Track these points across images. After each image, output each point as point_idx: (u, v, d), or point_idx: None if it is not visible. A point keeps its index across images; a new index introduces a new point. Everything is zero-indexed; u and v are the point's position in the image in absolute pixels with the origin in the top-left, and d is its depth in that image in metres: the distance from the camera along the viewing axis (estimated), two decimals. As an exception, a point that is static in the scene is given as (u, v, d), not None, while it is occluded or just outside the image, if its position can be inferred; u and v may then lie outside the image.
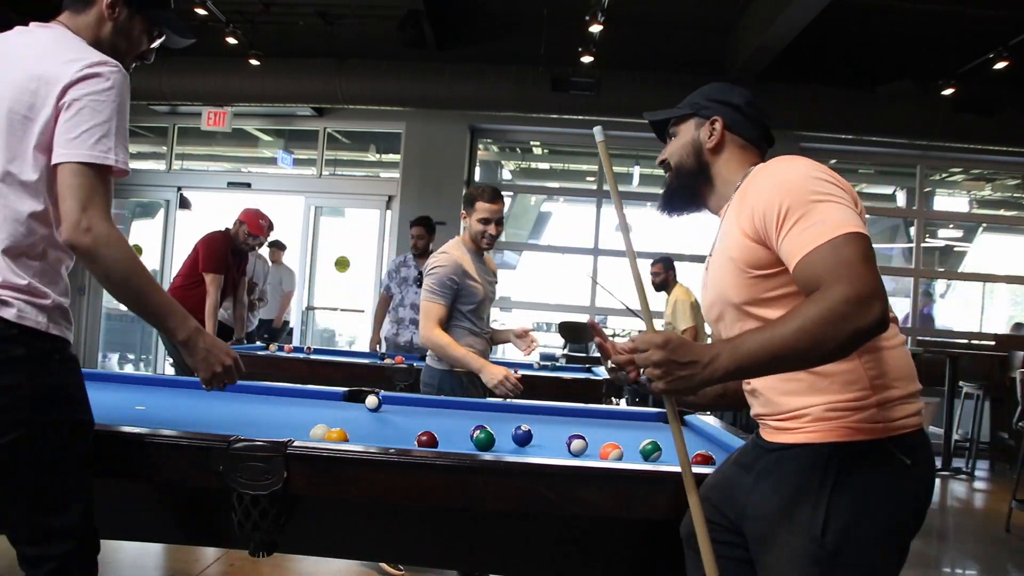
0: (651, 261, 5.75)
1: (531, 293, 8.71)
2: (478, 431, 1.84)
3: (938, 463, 6.59)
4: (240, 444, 1.57)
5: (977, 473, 6.63)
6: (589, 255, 8.13)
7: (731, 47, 7.11)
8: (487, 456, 1.67)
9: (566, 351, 6.93)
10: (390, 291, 5.31)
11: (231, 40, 6.72)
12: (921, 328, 8.13)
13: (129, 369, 8.95)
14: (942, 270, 9.43)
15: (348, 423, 2.00)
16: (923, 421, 1.31)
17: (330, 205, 8.59)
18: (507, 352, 6.61)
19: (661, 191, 1.61)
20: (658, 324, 1.45)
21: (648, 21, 7.06)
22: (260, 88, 7.07)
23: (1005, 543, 4.53)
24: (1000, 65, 6.27)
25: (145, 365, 8.84)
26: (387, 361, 4.19)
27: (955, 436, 6.78)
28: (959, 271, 9.33)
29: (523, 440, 1.95)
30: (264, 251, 6.21)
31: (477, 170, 8.34)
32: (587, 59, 6.65)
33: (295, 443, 1.57)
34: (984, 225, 9.47)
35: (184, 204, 8.57)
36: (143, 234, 8.86)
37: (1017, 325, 8.83)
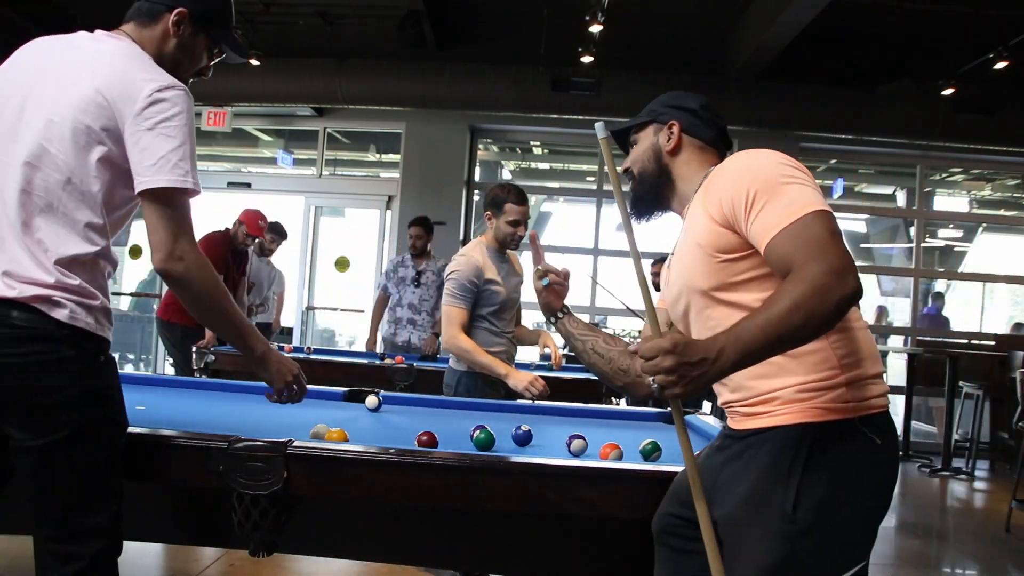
0: (651, 261, 5.74)
1: (531, 293, 8.68)
2: (478, 431, 1.84)
3: (938, 463, 6.60)
4: (240, 444, 1.57)
5: (977, 473, 6.63)
6: (589, 255, 8.13)
7: (731, 47, 7.11)
8: (487, 456, 1.67)
9: (566, 351, 6.93)
10: (387, 291, 5.30)
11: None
12: (934, 330, 8.06)
13: (129, 369, 8.95)
14: (942, 270, 9.43)
15: (348, 423, 2.00)
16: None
17: (330, 205, 8.59)
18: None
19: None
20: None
21: (648, 21, 7.06)
22: (260, 88, 7.06)
23: (1005, 543, 4.53)
24: (1000, 65, 6.26)
25: (145, 365, 8.85)
26: (387, 361, 4.19)
27: (955, 436, 6.78)
28: (959, 271, 9.33)
29: (523, 440, 1.95)
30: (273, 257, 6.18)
31: (477, 170, 8.34)
32: (587, 59, 6.65)
33: (295, 443, 1.58)
34: (984, 225, 9.47)
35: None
36: (144, 234, 8.84)
37: (1017, 325, 8.84)
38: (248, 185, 8.39)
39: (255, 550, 1.60)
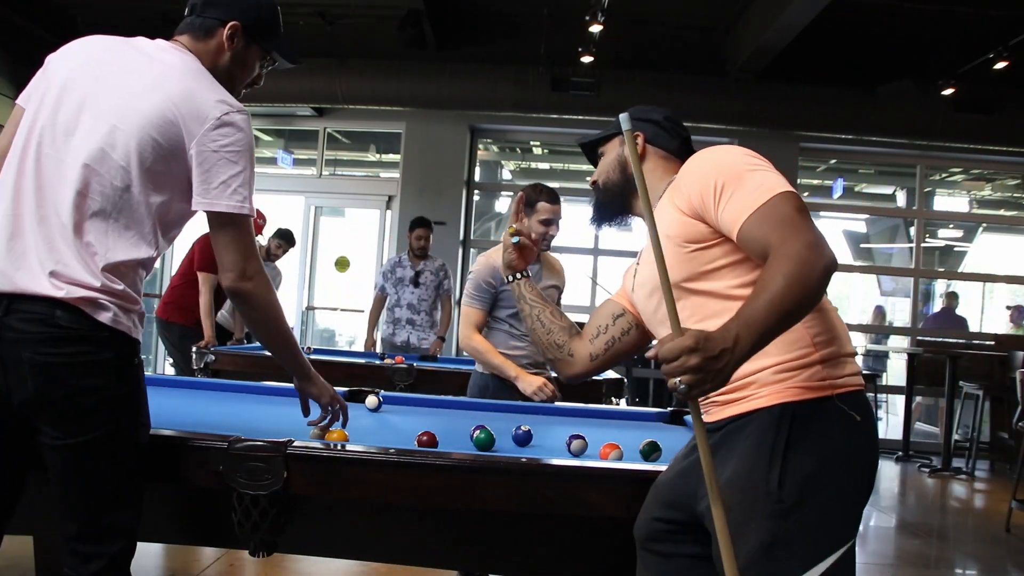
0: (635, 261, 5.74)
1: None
2: (478, 431, 1.84)
3: (938, 463, 6.60)
4: (240, 444, 1.57)
5: (977, 473, 6.63)
6: (589, 255, 8.13)
7: (731, 47, 7.11)
8: (487, 456, 1.67)
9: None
10: (384, 291, 5.30)
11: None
12: (953, 331, 8.03)
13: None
14: (942, 270, 9.43)
15: (348, 423, 2.00)
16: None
17: (330, 205, 8.59)
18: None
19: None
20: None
21: (648, 21, 7.05)
22: (260, 88, 7.04)
23: (1005, 543, 4.53)
24: (1000, 65, 6.27)
25: (145, 365, 8.85)
26: (387, 361, 4.19)
27: (955, 436, 6.78)
28: (959, 271, 9.33)
29: (523, 440, 1.95)
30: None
31: (477, 170, 8.34)
32: (587, 59, 6.65)
33: (295, 443, 1.57)
34: (984, 225, 9.48)
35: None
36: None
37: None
38: (248, 185, 8.37)
39: (255, 550, 1.60)
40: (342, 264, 8.34)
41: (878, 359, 8.89)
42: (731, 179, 1.34)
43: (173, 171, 1.53)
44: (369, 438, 1.86)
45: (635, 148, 1.27)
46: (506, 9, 7.32)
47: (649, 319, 1.58)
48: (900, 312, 9.11)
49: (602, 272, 8.04)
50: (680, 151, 1.62)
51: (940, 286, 9.24)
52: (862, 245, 9.67)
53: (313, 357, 4.38)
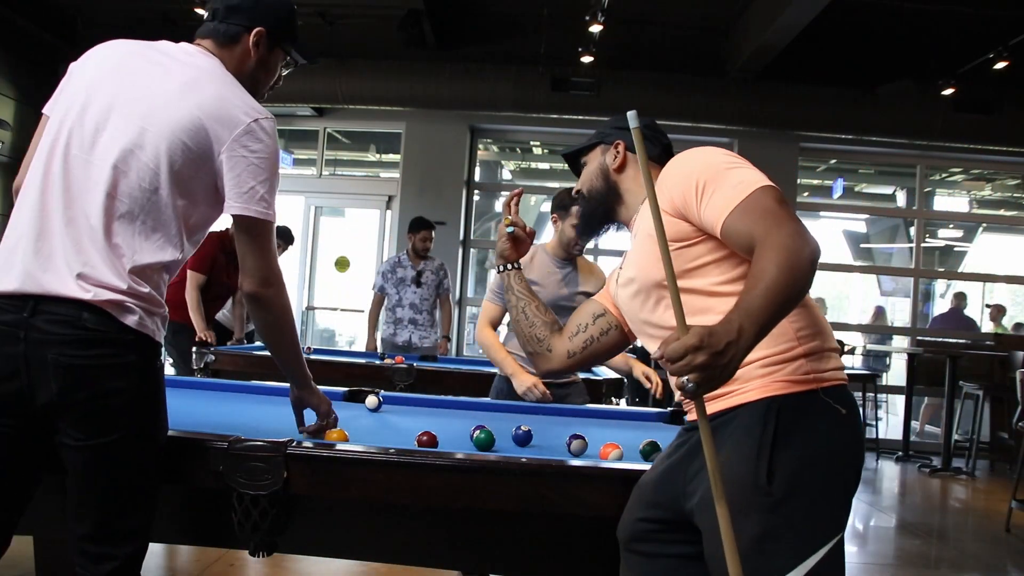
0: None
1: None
2: (478, 431, 1.84)
3: (938, 463, 6.60)
4: (240, 444, 1.57)
5: (977, 473, 6.63)
6: (589, 255, 8.12)
7: (731, 47, 7.11)
8: (487, 456, 1.67)
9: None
10: (384, 292, 5.31)
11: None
12: (965, 332, 8.02)
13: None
14: (942, 270, 9.43)
15: (348, 423, 2.00)
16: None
17: (330, 205, 8.59)
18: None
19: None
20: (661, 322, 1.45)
21: (648, 21, 7.06)
22: (260, 88, 7.06)
23: (1005, 543, 4.53)
24: (1000, 65, 6.27)
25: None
26: (387, 361, 4.19)
27: (955, 436, 6.78)
28: (959, 271, 9.33)
29: (523, 440, 1.95)
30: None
31: (477, 170, 8.35)
32: (587, 59, 6.66)
33: (295, 443, 1.57)
34: (984, 225, 9.48)
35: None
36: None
37: (1017, 325, 8.84)
38: (248, 185, 8.38)
39: (255, 550, 1.60)
40: (342, 264, 8.34)
41: (878, 359, 8.89)
42: (712, 177, 1.36)
43: (200, 175, 1.54)
44: (369, 438, 1.86)
45: (643, 145, 1.27)
46: (506, 9, 7.32)
47: (633, 320, 1.59)
48: (900, 312, 9.11)
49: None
50: (661, 157, 1.63)
51: (940, 286, 9.24)
52: (862, 245, 9.67)
53: (313, 357, 4.40)
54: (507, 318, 3.14)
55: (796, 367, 1.34)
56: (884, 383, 8.20)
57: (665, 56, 7.15)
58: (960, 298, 8.29)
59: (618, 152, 1.65)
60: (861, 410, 7.72)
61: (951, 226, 9.60)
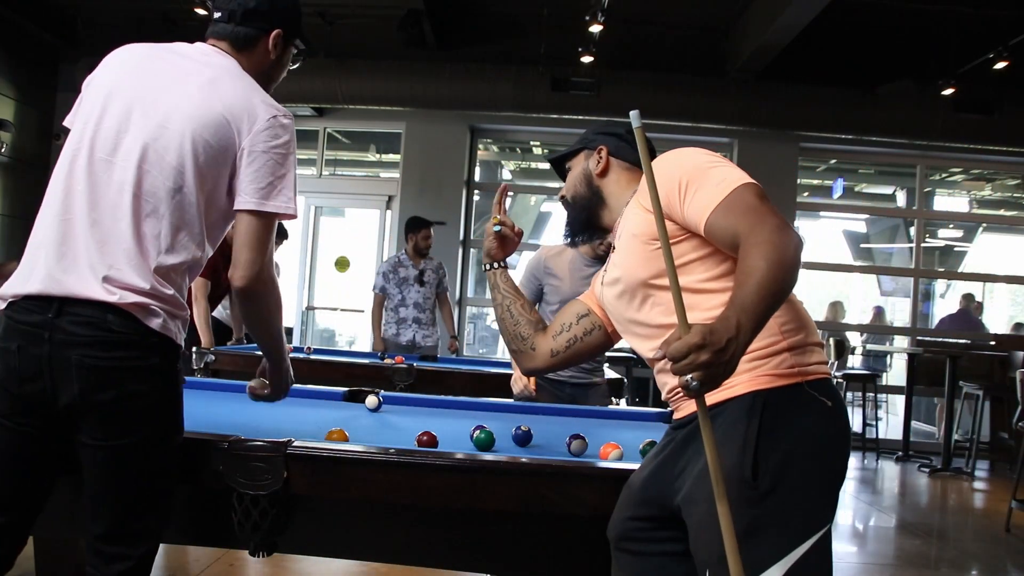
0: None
1: None
2: (478, 431, 1.84)
3: (938, 463, 6.60)
4: (240, 444, 1.57)
5: (977, 473, 6.63)
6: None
7: (731, 47, 7.11)
8: (487, 456, 1.67)
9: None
10: (385, 292, 5.31)
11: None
12: (967, 330, 8.01)
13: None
14: (942, 270, 9.43)
15: (348, 423, 2.00)
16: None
17: (330, 205, 8.59)
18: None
19: None
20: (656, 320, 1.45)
21: (648, 21, 7.06)
22: (260, 88, 7.05)
23: (1005, 543, 4.53)
24: (1000, 65, 6.26)
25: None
26: (387, 361, 4.19)
27: (955, 436, 6.78)
28: (959, 271, 9.33)
29: (523, 440, 1.95)
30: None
31: (477, 170, 8.35)
32: (587, 59, 6.65)
33: (295, 443, 1.58)
34: (984, 225, 9.48)
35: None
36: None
37: (1017, 325, 8.84)
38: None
39: (255, 550, 1.60)
40: (342, 264, 8.34)
41: (878, 359, 8.89)
42: (694, 177, 1.38)
43: (222, 172, 1.56)
44: (369, 438, 1.86)
45: (645, 143, 1.28)
46: (506, 9, 7.32)
47: (619, 320, 1.59)
48: (900, 312, 9.11)
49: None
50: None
51: (940, 286, 9.24)
52: (862, 245, 9.67)
53: (313, 357, 4.41)
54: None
55: (781, 360, 1.35)
56: (884, 383, 8.20)
57: (665, 56, 7.15)
58: (968, 299, 8.29)
59: (601, 158, 1.69)
60: (861, 410, 7.72)
61: (951, 226, 9.60)
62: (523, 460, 1.62)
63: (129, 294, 1.46)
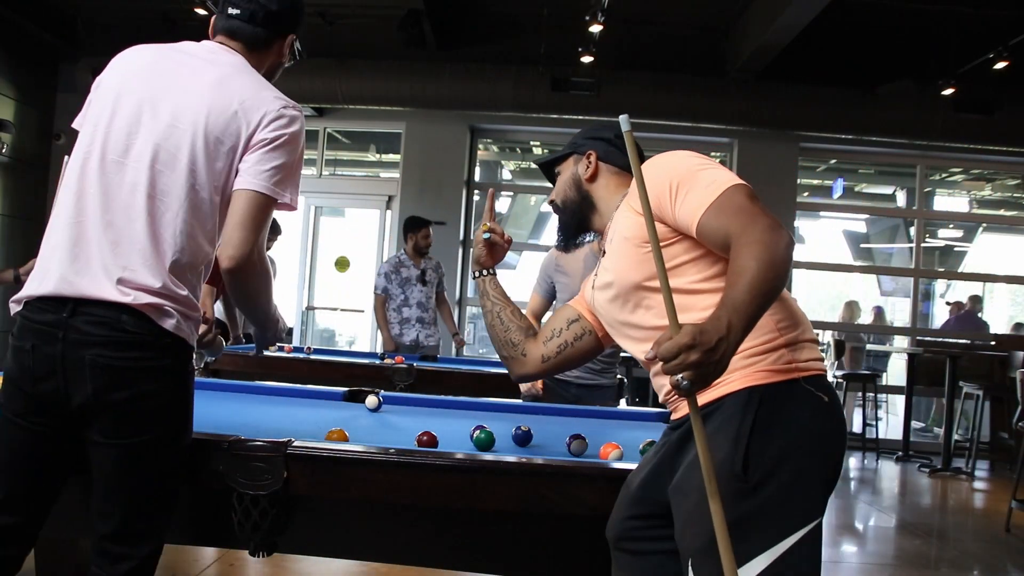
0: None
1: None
2: (478, 431, 1.84)
3: (938, 463, 6.60)
4: (240, 444, 1.57)
5: (977, 473, 6.63)
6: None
7: (731, 47, 7.11)
8: (487, 456, 1.67)
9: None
10: (387, 292, 5.31)
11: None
12: (972, 331, 8.00)
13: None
14: (942, 270, 9.43)
15: (348, 423, 2.00)
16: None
17: (330, 205, 8.59)
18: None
19: None
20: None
21: (648, 21, 7.06)
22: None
23: (1005, 543, 4.53)
24: (1000, 65, 6.26)
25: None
26: (387, 361, 4.19)
27: (955, 436, 6.78)
28: (959, 271, 9.33)
29: (523, 440, 1.95)
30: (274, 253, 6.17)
31: (477, 170, 8.34)
32: (587, 59, 6.65)
33: (295, 443, 1.58)
34: (984, 225, 9.48)
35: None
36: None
37: (1017, 325, 8.84)
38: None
39: (255, 550, 1.60)
40: (342, 264, 8.34)
41: (878, 359, 8.89)
42: (684, 179, 1.39)
43: (232, 168, 1.56)
44: (369, 438, 1.86)
45: (634, 146, 1.28)
46: (506, 9, 7.32)
47: (611, 323, 1.59)
48: (900, 312, 9.11)
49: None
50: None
51: (940, 286, 9.24)
52: (862, 245, 9.67)
53: (313, 357, 4.41)
54: (538, 311, 3.30)
55: (777, 357, 1.36)
56: (884, 383, 8.21)
57: (665, 56, 7.15)
58: (974, 301, 8.30)
59: (590, 162, 1.69)
60: (861, 410, 7.70)
61: (951, 226, 9.60)
62: (523, 460, 1.62)
63: (143, 295, 1.46)
